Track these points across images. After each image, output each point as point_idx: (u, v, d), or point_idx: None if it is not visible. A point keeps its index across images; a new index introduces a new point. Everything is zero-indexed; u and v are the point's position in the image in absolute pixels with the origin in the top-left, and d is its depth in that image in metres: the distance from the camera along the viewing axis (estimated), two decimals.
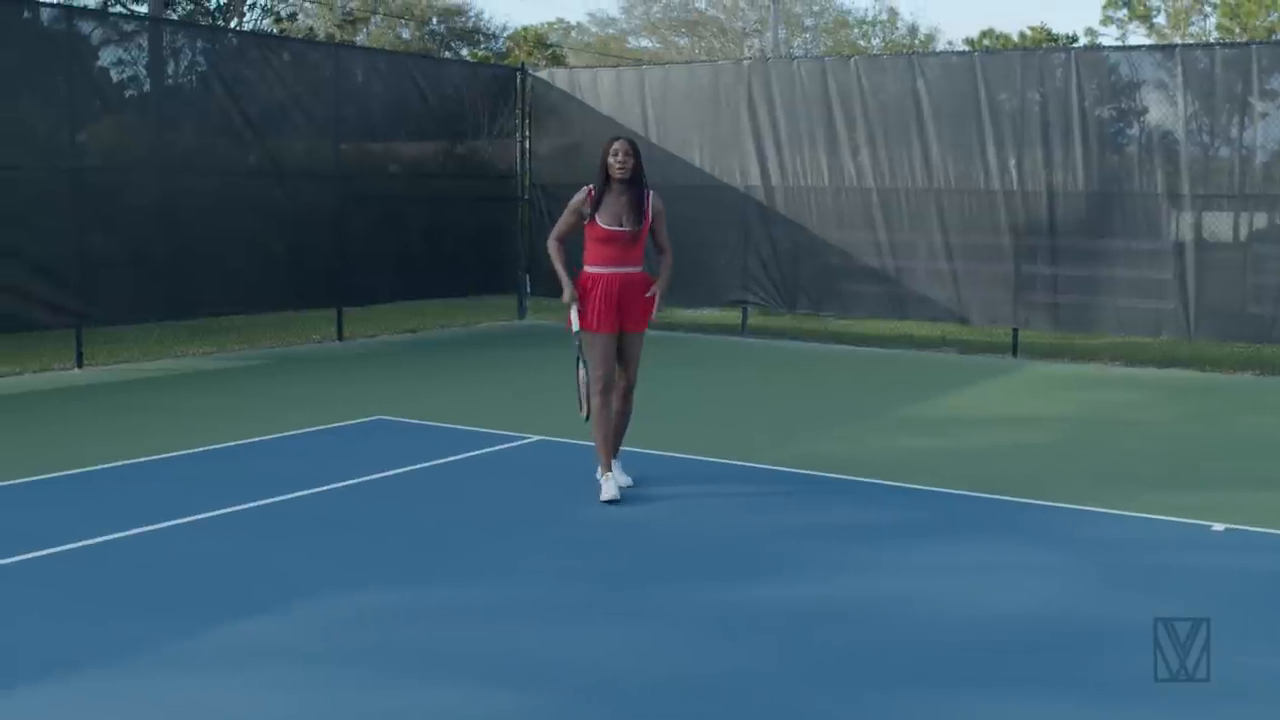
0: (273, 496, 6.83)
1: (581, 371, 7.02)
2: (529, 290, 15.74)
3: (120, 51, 12.19)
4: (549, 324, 14.78)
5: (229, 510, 6.55)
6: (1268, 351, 12.44)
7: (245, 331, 13.51)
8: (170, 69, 12.71)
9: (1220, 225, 12.47)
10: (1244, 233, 12.39)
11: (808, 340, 14.13)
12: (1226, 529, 6.44)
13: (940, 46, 40.85)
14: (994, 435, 9.11)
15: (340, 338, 13.65)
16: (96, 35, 11.95)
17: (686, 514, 6.73)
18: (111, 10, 21.79)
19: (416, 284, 14.69)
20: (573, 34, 45.07)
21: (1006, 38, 37.69)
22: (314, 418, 9.05)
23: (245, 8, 25.39)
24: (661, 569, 5.78)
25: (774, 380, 11.60)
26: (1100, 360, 12.71)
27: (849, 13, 47.18)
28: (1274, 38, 30.94)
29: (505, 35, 38.35)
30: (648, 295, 6.98)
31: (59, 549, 5.85)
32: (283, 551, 5.99)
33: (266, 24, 26.22)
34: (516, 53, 34.27)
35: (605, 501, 6.81)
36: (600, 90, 15.23)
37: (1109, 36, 37.98)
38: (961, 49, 34.59)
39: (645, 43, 43.98)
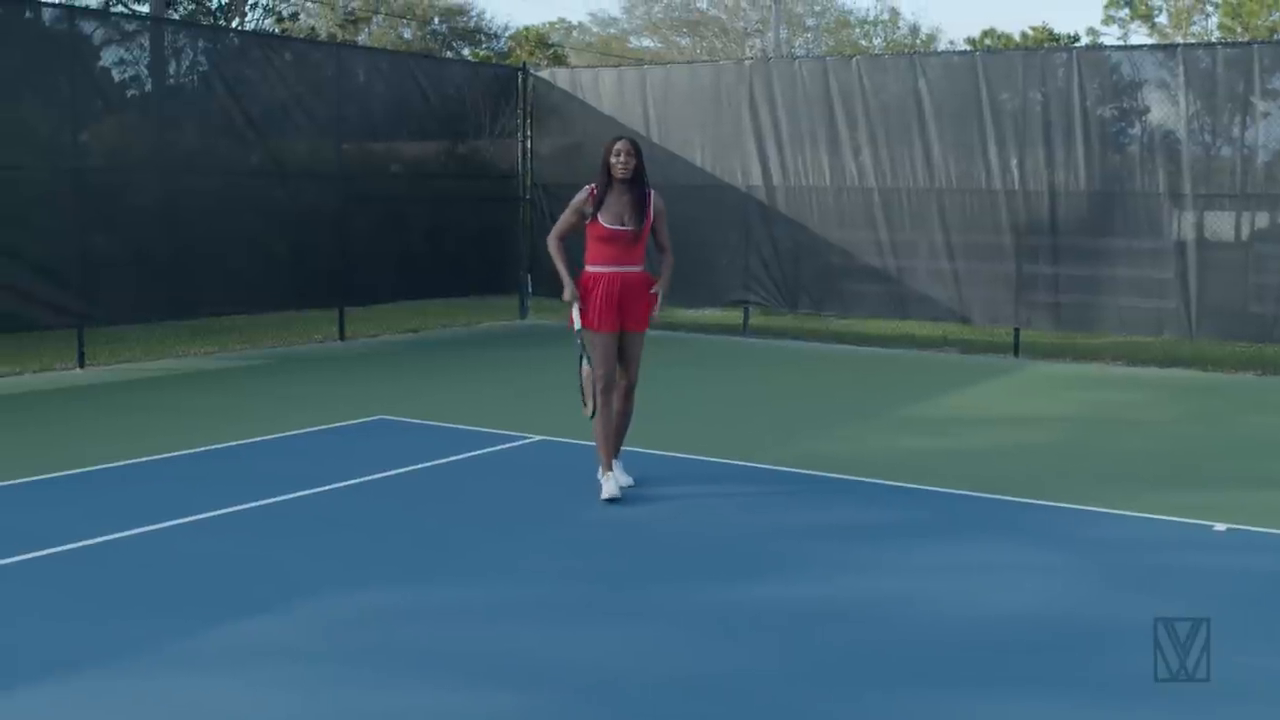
0: (274, 496, 6.83)
1: (585, 368, 7.01)
2: (531, 290, 15.73)
3: (122, 51, 12.19)
4: (551, 324, 14.78)
5: (230, 510, 6.55)
6: (1269, 351, 12.44)
7: (247, 331, 13.52)
8: (172, 69, 12.71)
9: (1222, 225, 12.46)
10: (1246, 232, 12.39)
11: (809, 340, 14.12)
12: (1228, 529, 6.44)
13: (942, 46, 40.85)
14: (995, 435, 9.11)
15: (342, 337, 13.66)
16: (98, 35, 11.96)
17: (688, 514, 6.73)
18: (113, 10, 21.79)
19: (418, 284, 14.69)
20: (574, 34, 45.08)
21: (1008, 37, 37.69)
22: (316, 417, 9.05)
23: (247, 7, 25.39)
24: (663, 569, 5.79)
25: (775, 380, 11.60)
26: (1102, 360, 12.70)
27: (850, 13, 47.21)
28: (1276, 37, 30.91)
29: (507, 35, 38.38)
30: (651, 293, 6.99)
31: (60, 549, 5.85)
32: (284, 551, 5.99)
33: (268, 24, 26.22)
34: (518, 52, 34.28)
35: (606, 500, 6.82)
36: (602, 90, 15.23)
37: (1111, 36, 38.02)
38: (963, 49, 34.60)
39: (647, 43, 43.99)
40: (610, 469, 6.96)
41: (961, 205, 13.20)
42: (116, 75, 12.18)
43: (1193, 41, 32.58)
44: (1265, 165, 12.10)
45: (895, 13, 57.47)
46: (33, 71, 11.06)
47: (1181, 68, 12.29)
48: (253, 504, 6.67)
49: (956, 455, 8.26)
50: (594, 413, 6.95)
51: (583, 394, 7.07)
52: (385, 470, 7.46)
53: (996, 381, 11.47)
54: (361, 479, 7.27)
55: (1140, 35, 37.70)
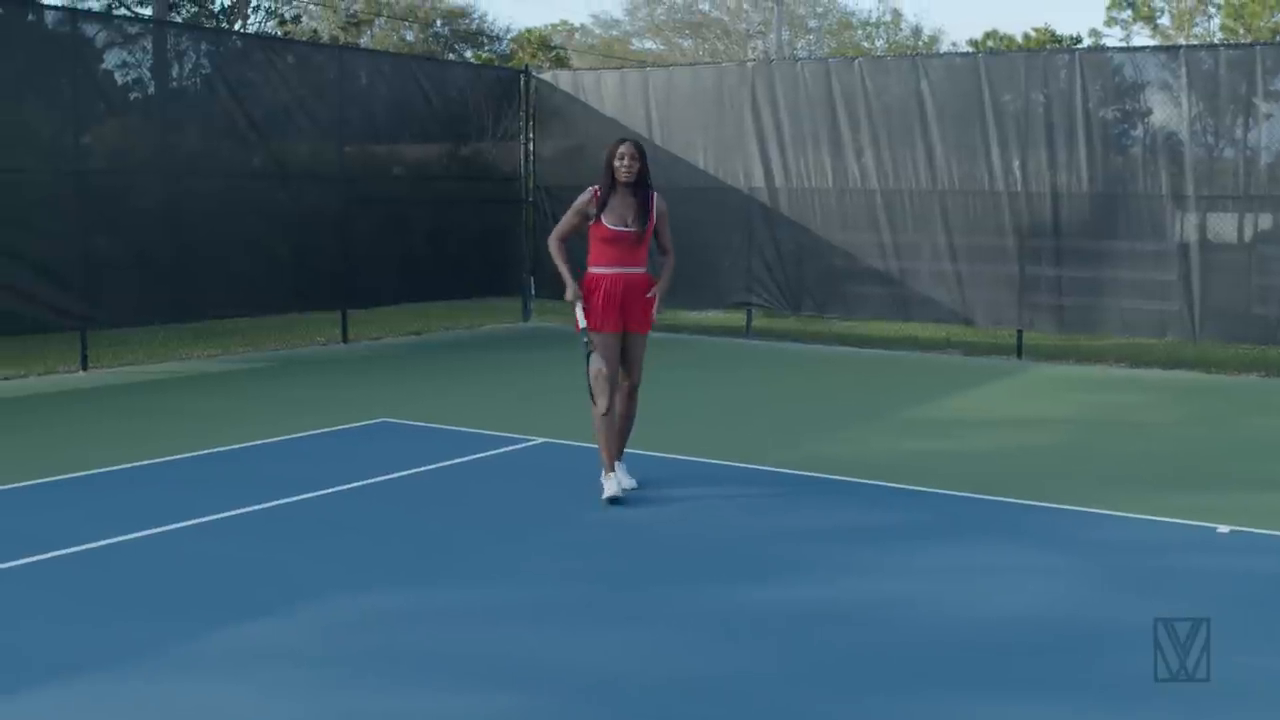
0: (277, 499, 6.83)
1: (593, 367, 6.98)
2: (533, 292, 15.74)
3: (124, 54, 12.20)
4: (553, 326, 14.78)
5: (234, 513, 6.55)
6: (1273, 353, 12.43)
7: (250, 334, 13.52)
8: (174, 71, 12.73)
9: (1225, 226, 12.45)
10: (1249, 234, 12.38)
11: (812, 342, 14.12)
12: (1231, 531, 6.43)
13: (944, 48, 40.81)
14: (998, 437, 9.11)
15: (345, 340, 13.66)
16: (101, 38, 11.98)
17: (690, 516, 6.73)
18: (116, 13, 21.82)
19: (421, 286, 14.70)
20: (577, 36, 45.10)
21: (1010, 39, 37.67)
22: (318, 420, 9.06)
23: (249, 10, 25.42)
24: (665, 571, 5.78)
25: (778, 382, 11.60)
26: (1105, 362, 12.69)
27: (853, 14, 47.27)
28: (1278, 38, 30.90)
29: (509, 37, 38.39)
30: (648, 296, 6.98)
31: (63, 552, 5.85)
32: (287, 554, 5.99)
33: (270, 26, 26.26)
34: (520, 55, 34.29)
35: (607, 500, 6.81)
36: (604, 92, 15.23)
37: (1113, 37, 38.01)
38: (965, 50, 34.58)
39: (649, 45, 43.99)
40: (613, 470, 6.96)
41: (964, 207, 13.20)
42: (119, 78, 12.19)
43: (1195, 43, 32.56)
44: (1268, 167, 12.09)
45: (897, 14, 57.55)
46: (35, 74, 11.08)
47: (1184, 69, 12.29)
48: (256, 507, 6.67)
49: (959, 457, 8.26)
50: (607, 408, 6.91)
51: (591, 393, 7.04)
52: (388, 473, 7.46)
53: (999, 383, 11.47)
54: (364, 482, 7.27)
55: (1143, 37, 37.73)
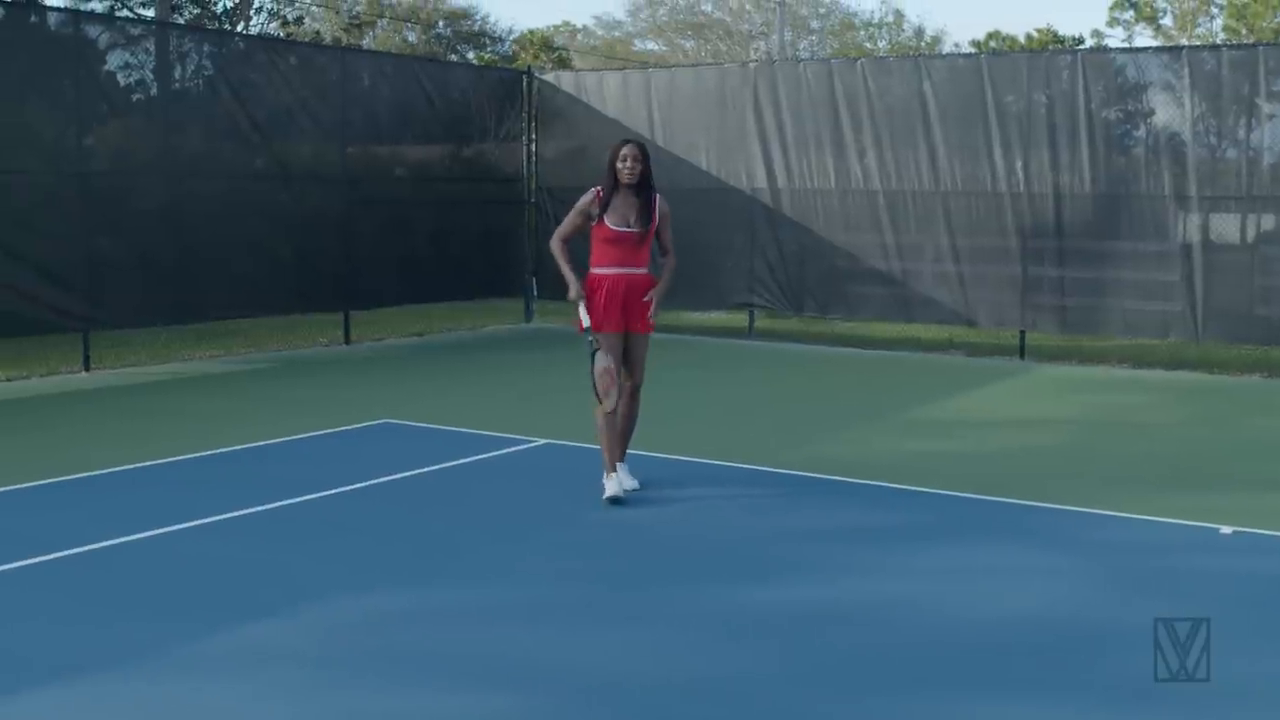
0: (279, 500, 6.84)
1: (597, 365, 6.97)
2: (535, 293, 15.74)
3: (127, 56, 12.23)
4: (556, 327, 14.78)
5: (236, 514, 6.56)
6: (1276, 353, 12.42)
7: (252, 335, 13.53)
8: (177, 73, 12.74)
9: (1228, 227, 12.44)
10: (1251, 234, 12.37)
11: (814, 343, 14.12)
12: (1234, 532, 6.42)
13: (946, 48, 40.81)
14: (1001, 438, 9.10)
15: (347, 341, 13.66)
16: (103, 40, 12.00)
17: (692, 516, 6.72)
18: (118, 15, 21.84)
19: (423, 287, 14.70)
20: (579, 37, 45.11)
21: (1013, 39, 37.67)
22: (320, 421, 9.06)
23: (251, 11, 25.44)
24: (666, 571, 5.78)
25: (780, 383, 11.59)
26: (1108, 362, 12.69)
27: (855, 15, 47.30)
28: None
29: (511, 38, 38.42)
30: (645, 299, 6.97)
31: (65, 553, 5.85)
32: (289, 555, 6.00)
33: (273, 28, 26.29)
34: (523, 56, 34.30)
35: (608, 500, 6.81)
36: (606, 93, 15.24)
37: (1115, 38, 38.00)
38: (968, 51, 34.61)
39: (651, 46, 44.02)
40: (614, 471, 6.96)
41: (967, 208, 13.19)
42: (121, 79, 12.21)
43: (1198, 43, 32.55)
44: (1271, 167, 12.08)
45: (900, 15, 57.51)
46: (38, 76, 11.09)
47: (1186, 70, 12.28)
48: (258, 508, 6.67)
49: (962, 458, 8.26)
50: (614, 405, 6.90)
51: (596, 392, 7.02)
52: (390, 474, 7.46)
53: (1002, 384, 11.46)
54: (366, 483, 7.27)
55: (1145, 37, 37.71)
